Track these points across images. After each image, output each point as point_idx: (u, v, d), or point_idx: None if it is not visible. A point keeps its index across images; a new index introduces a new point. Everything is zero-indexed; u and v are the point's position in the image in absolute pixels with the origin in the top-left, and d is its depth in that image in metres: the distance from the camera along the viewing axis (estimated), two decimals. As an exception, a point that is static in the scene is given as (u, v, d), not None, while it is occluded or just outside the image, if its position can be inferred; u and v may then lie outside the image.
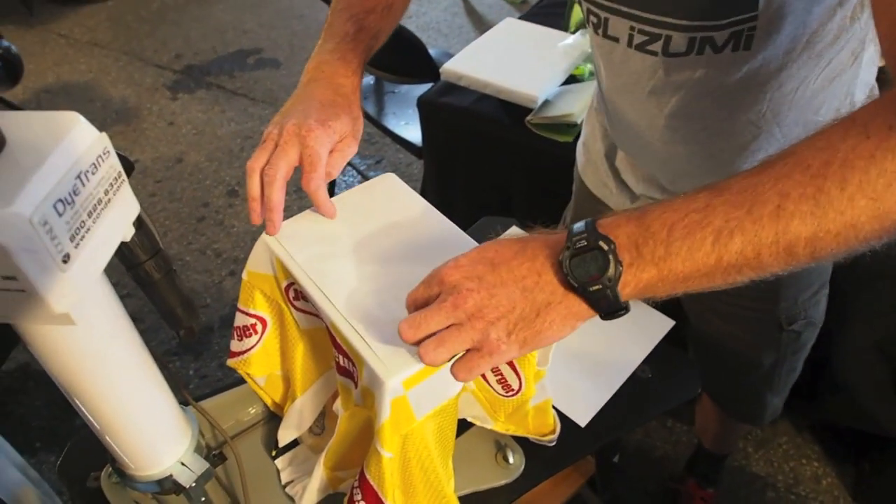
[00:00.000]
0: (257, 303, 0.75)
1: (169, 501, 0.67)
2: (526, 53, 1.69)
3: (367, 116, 2.12)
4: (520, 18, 1.91)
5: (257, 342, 0.77)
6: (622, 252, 0.50)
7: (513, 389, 0.71)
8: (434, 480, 0.65)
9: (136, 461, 0.62)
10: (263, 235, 0.71)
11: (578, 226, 0.52)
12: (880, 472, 1.61)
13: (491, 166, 1.71)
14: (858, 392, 1.47)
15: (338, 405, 0.68)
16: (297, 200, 0.62)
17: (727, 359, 1.13)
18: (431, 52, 1.84)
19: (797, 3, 0.67)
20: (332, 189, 0.75)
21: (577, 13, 1.78)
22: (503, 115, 1.59)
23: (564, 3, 1.82)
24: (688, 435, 1.75)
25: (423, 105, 1.72)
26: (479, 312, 0.52)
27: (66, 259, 0.43)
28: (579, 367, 0.91)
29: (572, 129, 1.50)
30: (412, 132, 2.02)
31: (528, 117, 1.54)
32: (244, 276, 0.74)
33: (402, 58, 1.82)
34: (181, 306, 0.62)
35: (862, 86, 0.82)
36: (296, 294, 0.71)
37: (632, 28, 0.75)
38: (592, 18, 0.80)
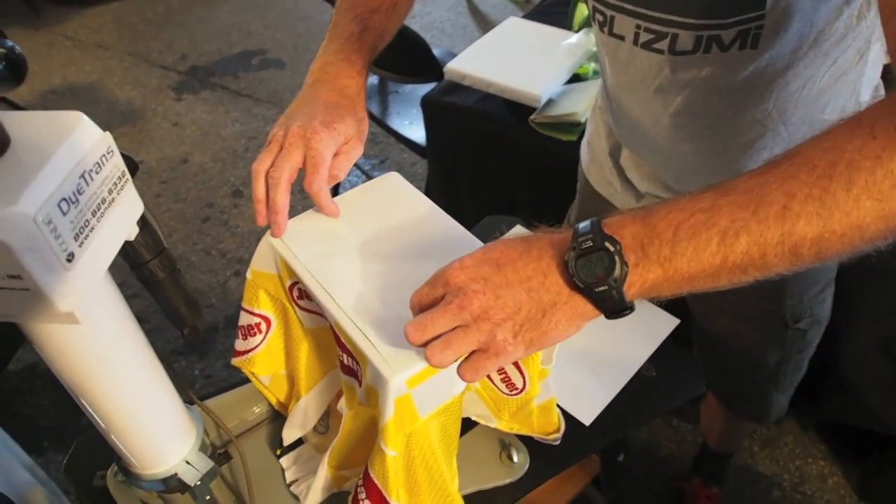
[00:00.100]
0: (261, 302, 0.75)
1: (174, 500, 0.67)
2: (529, 52, 1.69)
3: (371, 116, 2.12)
4: (523, 18, 1.91)
5: (262, 341, 0.77)
6: (627, 252, 0.50)
7: (517, 388, 0.71)
8: (438, 479, 0.65)
9: (142, 460, 0.62)
10: (267, 235, 0.72)
11: (584, 225, 0.52)
12: (886, 470, 1.61)
13: (495, 165, 1.71)
14: (864, 391, 1.47)
15: (342, 404, 0.69)
16: (302, 201, 0.62)
17: (732, 357, 1.13)
18: (435, 51, 1.84)
19: (804, 1, 0.67)
20: (336, 189, 0.75)
21: (580, 12, 1.77)
22: (507, 115, 1.59)
23: (568, 2, 1.82)
24: (693, 434, 1.75)
25: (427, 104, 1.72)
26: (484, 314, 0.52)
27: (70, 258, 0.43)
28: (584, 365, 0.91)
29: (576, 127, 1.50)
30: (416, 132, 2.02)
31: (532, 116, 1.54)
32: (248, 275, 0.74)
33: (406, 57, 1.82)
34: (185, 305, 0.63)
35: (867, 84, 0.82)
36: (300, 293, 0.72)
37: (637, 26, 0.75)
38: (598, 16, 0.80)
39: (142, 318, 2.03)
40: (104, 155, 0.46)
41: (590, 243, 0.50)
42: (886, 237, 0.47)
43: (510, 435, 0.80)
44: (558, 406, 0.79)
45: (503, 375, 0.70)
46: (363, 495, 0.64)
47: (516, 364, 0.68)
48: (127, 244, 0.55)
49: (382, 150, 2.74)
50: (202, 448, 0.66)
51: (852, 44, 0.74)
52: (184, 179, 2.67)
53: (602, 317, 0.53)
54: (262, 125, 2.91)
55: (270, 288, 0.74)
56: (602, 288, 0.50)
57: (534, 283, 0.52)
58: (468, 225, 0.73)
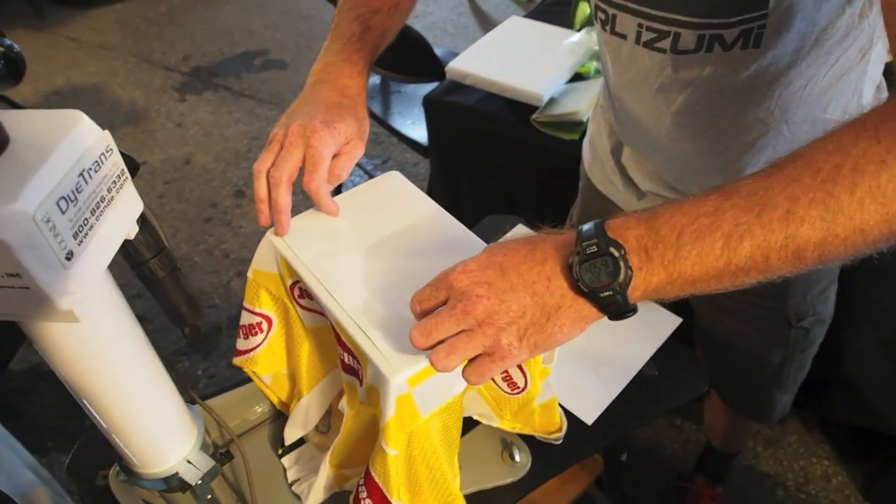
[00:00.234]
0: (263, 301, 0.75)
1: (176, 499, 0.67)
2: (531, 51, 1.69)
3: (373, 116, 2.12)
4: (525, 17, 1.90)
5: (263, 341, 0.77)
6: (631, 256, 0.50)
7: (518, 387, 0.71)
8: (440, 478, 0.65)
9: (142, 459, 0.62)
10: (268, 234, 0.72)
11: (587, 228, 0.52)
12: (891, 470, 1.60)
13: (496, 165, 1.71)
14: (867, 390, 1.46)
15: (343, 403, 0.69)
16: (304, 200, 0.62)
17: (735, 356, 1.13)
18: (437, 51, 1.84)
19: (807, 1, 0.67)
20: (338, 189, 0.75)
21: (582, 11, 1.77)
22: (509, 114, 1.59)
23: (569, 1, 1.82)
24: (697, 434, 1.74)
25: (429, 104, 1.72)
26: (489, 318, 0.52)
27: (69, 256, 0.43)
28: (586, 365, 0.91)
29: (578, 126, 1.49)
30: (418, 131, 2.02)
31: (534, 115, 1.54)
32: (249, 274, 0.74)
33: (408, 57, 1.82)
34: (186, 304, 0.63)
35: (870, 83, 0.82)
36: (301, 292, 0.71)
37: (640, 25, 0.75)
38: (600, 15, 0.80)
39: (145, 318, 2.04)
40: (103, 153, 0.46)
41: (594, 248, 0.50)
42: (889, 240, 0.47)
43: (512, 434, 0.80)
44: (560, 405, 0.79)
45: (505, 375, 0.70)
46: (364, 494, 0.64)
47: (518, 363, 0.68)
48: (127, 243, 0.55)
49: (385, 150, 2.74)
50: (203, 447, 0.66)
51: (854, 43, 0.73)
52: (187, 180, 2.67)
53: (605, 317, 0.53)
54: (264, 125, 2.91)
55: (272, 287, 0.74)
56: (607, 293, 0.50)
57: (538, 287, 0.52)
58: (470, 224, 0.73)
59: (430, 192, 1.91)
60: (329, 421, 0.82)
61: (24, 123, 0.45)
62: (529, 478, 0.79)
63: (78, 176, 0.44)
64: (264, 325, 0.76)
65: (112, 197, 0.48)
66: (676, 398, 0.91)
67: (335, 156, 0.73)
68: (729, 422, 1.43)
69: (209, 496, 0.66)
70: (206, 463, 0.65)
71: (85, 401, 0.56)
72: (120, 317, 0.54)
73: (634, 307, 0.52)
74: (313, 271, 0.67)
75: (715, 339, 1.14)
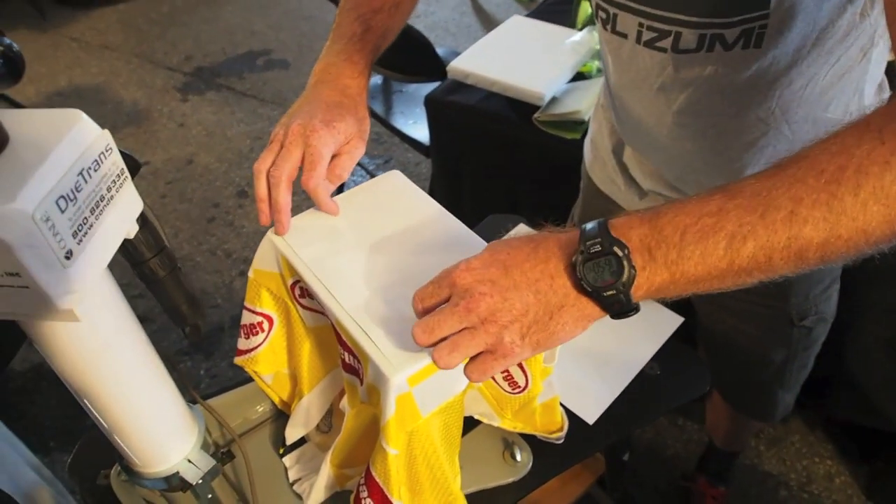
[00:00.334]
0: (264, 301, 0.75)
1: (177, 499, 0.67)
2: (533, 51, 1.69)
3: (375, 116, 2.12)
4: (527, 16, 1.90)
5: (264, 340, 0.77)
6: (635, 255, 0.50)
7: (519, 386, 0.70)
8: (440, 477, 0.65)
9: (143, 458, 0.62)
10: (269, 233, 0.72)
11: (591, 227, 0.52)
12: (894, 470, 1.60)
13: (498, 164, 1.71)
14: (870, 389, 1.46)
15: (344, 403, 0.68)
16: (306, 200, 0.62)
17: (738, 355, 1.13)
18: (439, 50, 1.84)
19: (809, 0, 0.66)
20: (340, 188, 0.75)
21: (584, 10, 1.77)
22: (510, 113, 1.59)
23: (571, 0, 1.81)
24: (699, 433, 1.74)
25: (431, 103, 1.72)
26: (492, 316, 0.52)
27: (68, 255, 0.43)
28: (587, 364, 0.91)
29: (580, 126, 1.49)
30: (420, 131, 2.02)
31: (536, 115, 1.53)
32: (250, 274, 0.74)
33: (410, 57, 1.82)
34: (186, 304, 0.63)
35: (871, 82, 0.81)
36: (301, 292, 0.71)
37: (640, 24, 0.75)
38: (601, 14, 0.80)
39: (147, 318, 2.04)
40: (103, 153, 0.46)
41: (598, 247, 0.51)
42: (891, 240, 0.48)
43: (513, 434, 0.80)
44: (562, 405, 0.79)
45: (505, 374, 0.70)
46: (365, 494, 0.64)
47: (519, 362, 0.68)
48: (127, 242, 0.55)
49: (386, 150, 2.74)
50: (204, 446, 0.67)
51: (855, 42, 0.73)
52: (189, 180, 2.67)
53: (606, 316, 0.54)
54: (266, 125, 2.92)
55: (272, 286, 0.74)
56: (610, 292, 0.51)
57: (541, 285, 0.52)
58: (471, 223, 0.73)
59: (432, 192, 1.91)
60: (330, 420, 0.82)
61: (24, 123, 0.45)
62: (531, 477, 0.79)
63: (77, 175, 0.44)
64: (265, 325, 0.76)
65: (112, 196, 0.48)
66: (678, 397, 0.90)
67: (336, 155, 0.73)
68: (731, 421, 1.43)
69: (210, 495, 0.66)
70: (207, 462, 0.65)
71: (85, 400, 0.56)
72: (120, 316, 0.54)
73: (637, 306, 0.52)
74: (314, 270, 0.67)
75: (717, 339, 1.13)
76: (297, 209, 0.71)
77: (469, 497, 0.71)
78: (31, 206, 0.40)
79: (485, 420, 0.78)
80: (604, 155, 1.05)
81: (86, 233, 0.45)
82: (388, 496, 0.62)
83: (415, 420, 0.60)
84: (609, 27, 0.79)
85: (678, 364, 0.91)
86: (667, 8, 0.71)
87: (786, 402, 1.20)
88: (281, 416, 0.87)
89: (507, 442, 0.81)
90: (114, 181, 0.48)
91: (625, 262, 0.50)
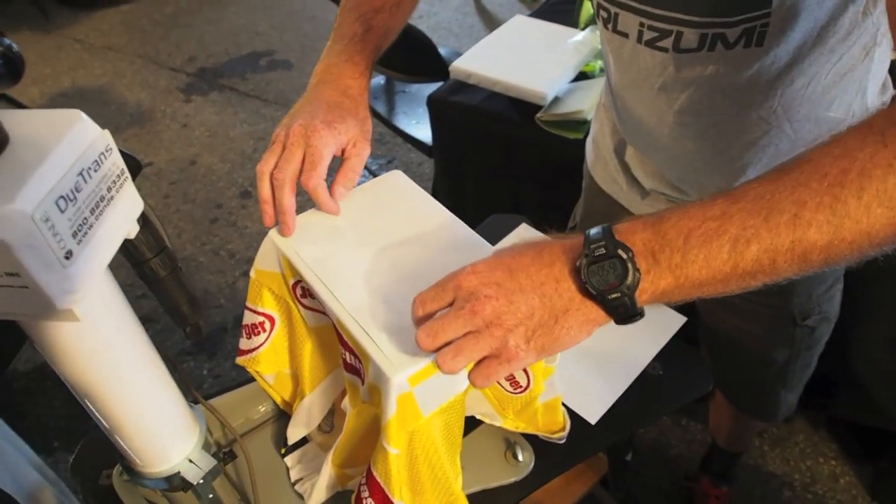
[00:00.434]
0: (265, 301, 0.75)
1: (178, 499, 0.67)
2: (535, 50, 1.69)
3: (378, 116, 2.12)
4: (530, 16, 1.90)
5: (266, 340, 0.77)
6: (639, 259, 0.51)
7: (521, 386, 0.70)
8: (442, 477, 0.65)
9: (144, 458, 0.62)
10: (271, 233, 0.72)
11: (595, 232, 0.52)
12: (899, 470, 1.59)
13: (501, 164, 1.71)
14: (874, 389, 1.46)
15: (346, 403, 0.68)
16: (310, 201, 0.63)
17: (740, 355, 1.12)
18: (442, 51, 1.84)
19: None
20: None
21: (587, 9, 1.77)
22: (513, 113, 1.59)
23: (574, 0, 1.81)
24: (702, 434, 1.74)
25: (433, 103, 1.72)
26: (497, 319, 0.52)
27: (68, 255, 0.43)
28: (589, 363, 0.90)
29: (582, 125, 1.49)
30: (423, 131, 2.02)
31: (538, 114, 1.53)
32: (252, 273, 0.74)
33: (413, 57, 1.82)
34: (187, 303, 0.63)
35: (874, 81, 0.81)
36: (303, 291, 0.71)
37: (641, 24, 0.75)
38: (602, 13, 0.79)
39: (151, 319, 2.04)
40: (103, 153, 0.46)
41: (602, 250, 0.51)
42: (895, 242, 0.48)
43: (515, 433, 0.80)
44: (564, 405, 0.79)
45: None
46: (366, 493, 0.64)
47: (524, 367, 0.68)
48: (128, 242, 0.55)
49: (390, 151, 2.74)
50: (205, 446, 0.67)
51: (857, 41, 0.73)
52: (192, 181, 2.68)
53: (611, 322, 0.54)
54: (270, 126, 2.92)
55: (274, 286, 0.74)
56: (614, 295, 0.51)
57: (546, 288, 0.52)
58: (474, 223, 0.73)
59: (435, 192, 1.91)
60: (332, 420, 0.82)
61: (24, 123, 0.45)
62: (533, 477, 0.79)
63: (77, 175, 0.44)
64: (267, 325, 0.76)
65: (112, 196, 0.48)
66: (681, 397, 0.90)
67: (345, 160, 0.73)
68: (734, 421, 1.43)
69: (211, 495, 0.66)
70: (208, 462, 0.65)
71: (86, 400, 0.56)
72: (120, 316, 0.54)
73: (642, 311, 0.52)
74: (315, 270, 0.67)
75: (719, 338, 1.13)
76: (301, 209, 0.71)
77: (471, 497, 0.71)
78: (31, 206, 0.40)
79: (486, 420, 0.78)
80: (606, 154, 1.05)
81: (86, 233, 0.45)
82: (390, 496, 0.62)
83: (416, 420, 0.60)
84: (610, 26, 0.79)
85: (680, 364, 0.91)
86: (668, 7, 0.71)
87: (788, 402, 1.20)
88: (283, 416, 0.87)
89: (509, 442, 0.80)
90: (114, 181, 0.48)
91: (629, 265, 0.50)
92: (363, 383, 0.63)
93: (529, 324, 0.52)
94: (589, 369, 0.90)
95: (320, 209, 0.73)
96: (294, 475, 0.80)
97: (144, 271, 0.58)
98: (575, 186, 1.20)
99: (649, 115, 0.86)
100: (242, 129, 2.93)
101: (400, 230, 0.71)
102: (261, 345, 0.77)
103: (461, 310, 0.52)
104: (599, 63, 1.65)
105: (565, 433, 0.79)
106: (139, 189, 0.52)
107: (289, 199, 0.69)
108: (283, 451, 0.83)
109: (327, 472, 0.72)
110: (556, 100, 1.55)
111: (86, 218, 0.45)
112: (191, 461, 0.64)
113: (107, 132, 0.47)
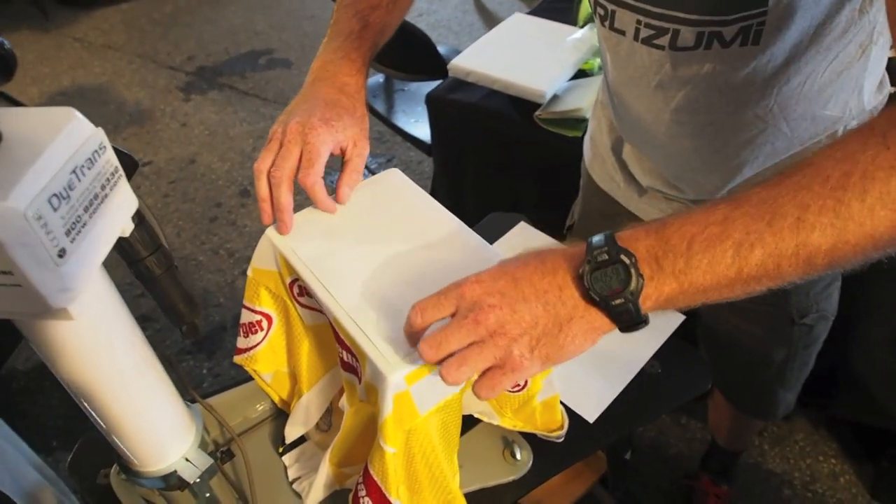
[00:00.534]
0: (262, 299, 0.75)
1: (175, 497, 0.67)
2: (534, 48, 1.68)
3: (376, 114, 2.11)
4: (528, 13, 1.90)
5: (263, 339, 0.77)
6: (642, 266, 0.50)
7: (518, 385, 0.70)
8: (439, 476, 0.65)
9: (141, 457, 0.62)
10: (268, 232, 0.71)
11: (597, 239, 0.52)
12: (899, 468, 1.59)
13: (499, 162, 1.71)
14: (874, 388, 1.46)
15: (343, 401, 0.68)
16: (308, 199, 0.63)
17: (738, 354, 1.12)
18: (441, 49, 1.84)
19: None
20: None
21: (585, 7, 1.77)
22: (512, 111, 1.59)
23: (573, -2, 1.81)
24: (702, 432, 1.73)
25: (432, 101, 1.72)
26: (501, 329, 0.51)
27: (61, 254, 0.43)
28: (588, 362, 0.90)
29: (581, 123, 1.49)
30: (422, 129, 2.01)
31: (537, 112, 1.53)
32: (249, 272, 0.74)
33: (411, 55, 1.82)
34: (183, 302, 0.62)
35: (871, 79, 0.81)
36: (300, 290, 0.71)
37: (638, 22, 0.75)
38: (599, 10, 0.79)
39: (150, 318, 2.04)
40: (96, 151, 0.46)
41: (605, 256, 0.50)
42: None
43: (513, 432, 0.80)
44: (562, 403, 0.79)
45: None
46: (363, 492, 0.64)
47: (528, 377, 0.67)
48: (123, 240, 0.55)
49: (389, 149, 2.74)
50: (202, 445, 0.66)
51: (854, 39, 0.73)
52: (192, 179, 2.68)
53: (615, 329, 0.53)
54: (269, 125, 2.88)
55: (271, 285, 0.74)
56: (618, 301, 0.50)
57: (550, 296, 0.52)
58: (473, 221, 0.73)
59: (434, 190, 1.91)
60: (330, 419, 0.82)
61: (17, 121, 0.45)
62: (531, 476, 0.79)
63: (70, 173, 0.44)
64: (264, 324, 0.76)
65: (106, 194, 0.48)
66: (679, 396, 0.90)
67: (347, 160, 0.73)
68: (733, 420, 1.43)
69: (207, 494, 0.66)
70: (205, 461, 0.65)
71: (81, 398, 0.56)
72: (115, 315, 0.54)
73: (646, 318, 0.52)
74: (312, 269, 0.67)
75: (718, 337, 1.13)
76: (298, 208, 0.71)
77: (469, 496, 0.71)
78: (24, 204, 0.40)
79: (484, 418, 0.77)
80: (603, 152, 1.04)
81: (79, 231, 0.45)
82: (386, 495, 0.62)
83: (413, 418, 0.60)
84: (607, 24, 0.79)
85: (679, 362, 0.91)
86: (665, 5, 0.71)
87: (787, 401, 1.20)
88: (280, 414, 0.86)
89: (507, 440, 0.80)
90: (108, 179, 0.48)
91: (632, 270, 0.50)
92: (360, 382, 0.63)
93: (533, 332, 0.51)
94: (587, 368, 0.89)
95: (317, 207, 0.73)
96: (292, 474, 0.80)
97: (140, 270, 0.58)
98: (574, 184, 1.20)
99: (646, 112, 0.86)
100: (242, 128, 2.92)
101: (397, 228, 0.71)
102: (258, 343, 0.77)
103: (464, 319, 0.52)
104: (598, 61, 1.65)
105: (563, 432, 0.78)
106: (138, 188, 0.51)
107: (286, 197, 0.69)
108: (280, 449, 0.83)
109: (325, 470, 0.72)
110: (555, 98, 1.55)
111: (79, 216, 0.45)
112: (187, 460, 0.64)
113: (100, 130, 0.47)
